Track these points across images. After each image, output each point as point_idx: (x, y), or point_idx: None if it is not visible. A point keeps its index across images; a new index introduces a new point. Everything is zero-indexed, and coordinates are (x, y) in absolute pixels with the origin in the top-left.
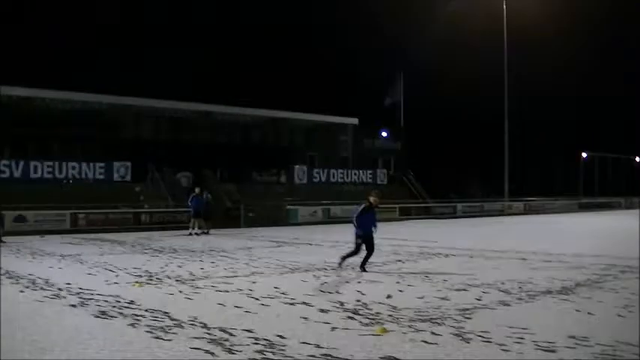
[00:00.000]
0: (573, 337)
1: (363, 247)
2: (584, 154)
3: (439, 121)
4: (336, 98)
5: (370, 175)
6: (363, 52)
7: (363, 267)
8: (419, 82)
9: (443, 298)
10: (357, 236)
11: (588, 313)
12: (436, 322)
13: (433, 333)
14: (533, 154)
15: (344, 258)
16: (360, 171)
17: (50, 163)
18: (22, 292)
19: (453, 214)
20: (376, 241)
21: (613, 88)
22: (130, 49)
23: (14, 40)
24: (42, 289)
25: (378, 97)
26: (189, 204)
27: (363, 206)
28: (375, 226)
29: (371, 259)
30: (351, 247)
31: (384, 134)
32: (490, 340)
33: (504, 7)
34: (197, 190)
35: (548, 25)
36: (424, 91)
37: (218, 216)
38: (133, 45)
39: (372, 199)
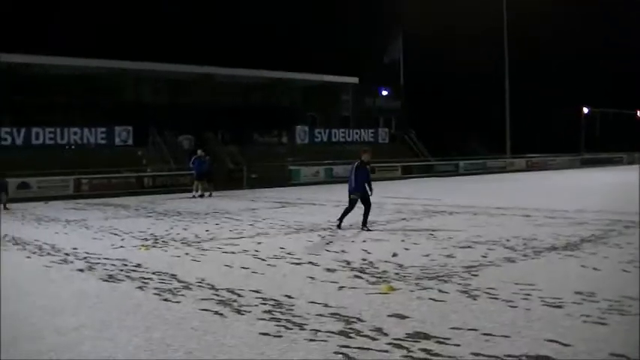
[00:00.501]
0: (580, 292)
1: (359, 204)
2: (585, 109)
3: (440, 79)
4: (336, 58)
5: (372, 134)
6: (362, 10)
7: (365, 225)
8: (419, 40)
9: (448, 256)
10: (352, 193)
11: (594, 269)
12: (442, 280)
13: (440, 290)
14: (535, 110)
15: (341, 218)
16: (362, 130)
17: (52, 129)
18: (28, 257)
19: (455, 172)
20: (379, 199)
21: (614, 42)
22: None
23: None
24: (49, 254)
25: (378, 56)
26: (192, 166)
27: (356, 164)
28: (370, 184)
29: (375, 218)
30: (346, 204)
31: (385, 93)
32: (497, 296)
33: None
34: (199, 152)
35: None
36: (424, 49)
37: (220, 178)
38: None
39: (363, 156)
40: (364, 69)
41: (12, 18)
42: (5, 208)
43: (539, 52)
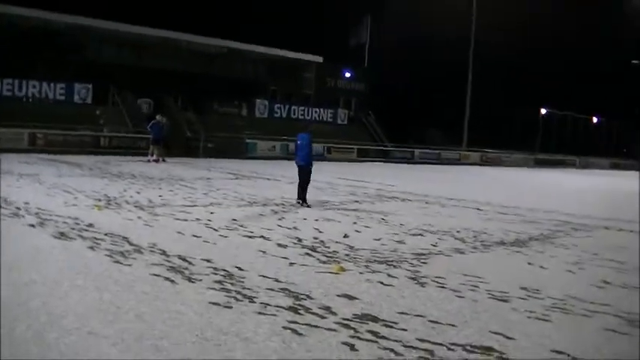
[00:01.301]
0: (525, 288)
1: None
2: (543, 110)
3: (404, 65)
4: (302, 35)
5: (331, 115)
6: None
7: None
8: (386, 25)
9: (399, 242)
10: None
11: (540, 267)
12: (392, 265)
13: (389, 275)
14: (495, 106)
15: (303, 196)
16: (322, 109)
17: (10, 81)
18: None
19: (410, 159)
20: (333, 180)
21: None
22: None
23: None
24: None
25: (344, 36)
26: (149, 130)
27: (310, 136)
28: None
29: (328, 198)
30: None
31: (348, 74)
32: (445, 285)
33: None
34: (158, 117)
35: None
36: (391, 34)
37: (177, 145)
38: None
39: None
40: (329, 48)
41: None
42: None
43: (505, 48)
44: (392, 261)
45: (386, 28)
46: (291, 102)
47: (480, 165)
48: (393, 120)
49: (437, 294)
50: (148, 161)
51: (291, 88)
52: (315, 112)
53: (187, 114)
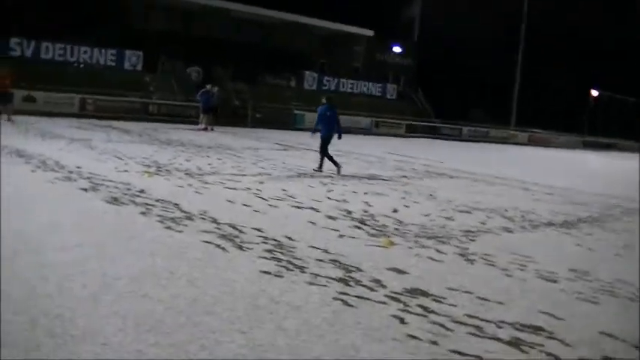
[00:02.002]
0: (574, 270)
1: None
2: (594, 92)
3: (454, 42)
4: (352, 7)
5: (379, 89)
6: None
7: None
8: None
9: (447, 218)
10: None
11: (589, 249)
12: (441, 241)
13: (438, 251)
14: (545, 86)
15: (333, 163)
16: (370, 83)
17: (62, 46)
18: (33, 171)
19: (458, 137)
20: (382, 154)
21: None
22: None
23: None
24: (53, 170)
25: (395, 10)
26: (199, 99)
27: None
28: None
29: (377, 172)
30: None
31: (397, 49)
32: (494, 263)
33: None
34: (208, 86)
35: None
36: (442, 9)
37: (225, 114)
38: None
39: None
40: (380, 22)
41: None
42: (9, 119)
43: (557, 29)
44: (441, 237)
45: (437, 3)
46: (340, 75)
47: (528, 145)
48: (441, 96)
49: (485, 272)
50: (198, 129)
51: (340, 61)
52: (364, 85)
53: (236, 84)
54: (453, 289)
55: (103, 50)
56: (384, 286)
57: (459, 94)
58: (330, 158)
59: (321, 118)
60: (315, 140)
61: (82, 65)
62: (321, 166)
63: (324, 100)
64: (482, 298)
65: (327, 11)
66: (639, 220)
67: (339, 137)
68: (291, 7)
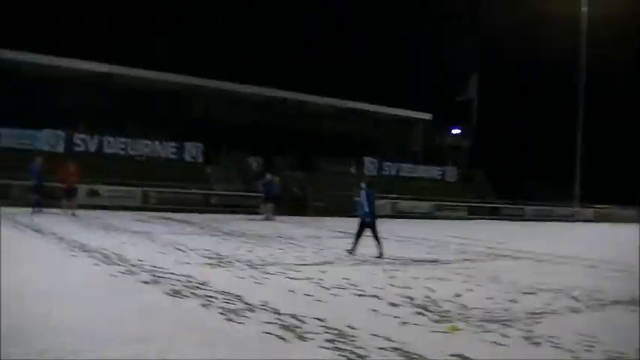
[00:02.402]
0: None
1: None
2: None
3: (511, 121)
4: (409, 93)
5: (439, 172)
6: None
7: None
8: (494, 81)
9: (512, 301)
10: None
11: None
12: (505, 324)
13: (503, 335)
14: (606, 160)
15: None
16: (430, 167)
17: (124, 140)
18: (96, 265)
19: (521, 217)
20: (444, 238)
21: None
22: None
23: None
24: (115, 264)
25: (452, 94)
26: (261, 189)
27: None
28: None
29: (439, 257)
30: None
31: (456, 131)
32: (559, 345)
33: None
34: (269, 175)
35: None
36: (499, 89)
37: (286, 203)
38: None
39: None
40: (437, 105)
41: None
42: (73, 214)
43: (613, 101)
44: (505, 320)
45: (493, 84)
46: (399, 159)
47: (594, 221)
48: (502, 176)
49: (551, 354)
50: (261, 219)
51: (399, 146)
52: (424, 169)
53: (296, 172)
54: None
55: (164, 143)
56: None
57: (521, 173)
58: (357, 240)
59: (368, 201)
60: (379, 227)
61: (143, 159)
62: (380, 249)
63: (363, 185)
64: None
65: (384, 97)
66: None
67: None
68: (348, 94)
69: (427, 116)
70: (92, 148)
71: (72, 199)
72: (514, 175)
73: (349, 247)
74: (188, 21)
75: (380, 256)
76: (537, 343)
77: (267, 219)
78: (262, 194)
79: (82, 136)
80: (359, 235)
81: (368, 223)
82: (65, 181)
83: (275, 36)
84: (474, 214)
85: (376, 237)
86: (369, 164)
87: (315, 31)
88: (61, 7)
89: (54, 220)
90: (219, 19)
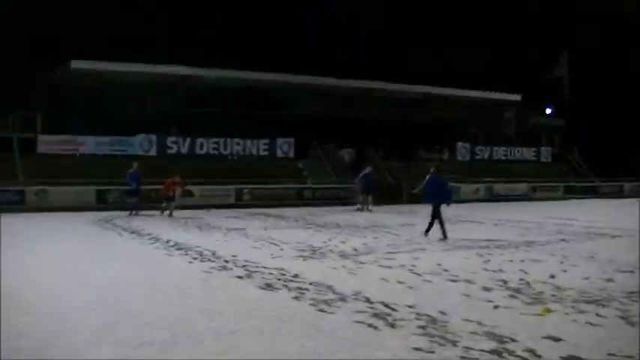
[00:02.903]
0: None
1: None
2: None
3: (604, 96)
4: (499, 74)
5: (534, 153)
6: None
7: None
8: (584, 57)
9: (608, 280)
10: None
11: None
12: (601, 304)
13: (598, 315)
14: None
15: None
16: (524, 148)
17: (215, 140)
18: (190, 262)
19: (619, 194)
20: (540, 219)
21: None
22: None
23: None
24: (209, 260)
25: (542, 73)
26: (358, 181)
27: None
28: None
29: (534, 238)
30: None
31: (548, 111)
32: None
33: None
34: (368, 168)
35: None
36: (589, 66)
37: (380, 192)
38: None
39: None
40: (527, 85)
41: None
42: (170, 215)
43: None
44: (600, 300)
45: (584, 61)
46: (492, 143)
47: None
48: (598, 153)
49: None
50: (357, 209)
51: (491, 129)
52: (517, 151)
53: (389, 162)
54: (612, 355)
55: (255, 141)
56: (538, 356)
57: (617, 149)
58: (442, 225)
59: (429, 187)
60: (474, 211)
61: (235, 157)
62: (428, 230)
63: (432, 170)
64: None
65: (473, 81)
66: None
67: (448, 204)
68: (436, 81)
69: (517, 97)
70: (184, 150)
71: (171, 203)
72: (612, 151)
73: (451, 234)
74: (272, 16)
75: (444, 238)
76: (633, 323)
77: (364, 210)
78: (359, 186)
79: (174, 138)
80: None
81: (433, 206)
82: (168, 189)
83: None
84: (571, 193)
85: (438, 220)
86: (462, 149)
87: (398, 16)
88: (138, 13)
89: (150, 222)
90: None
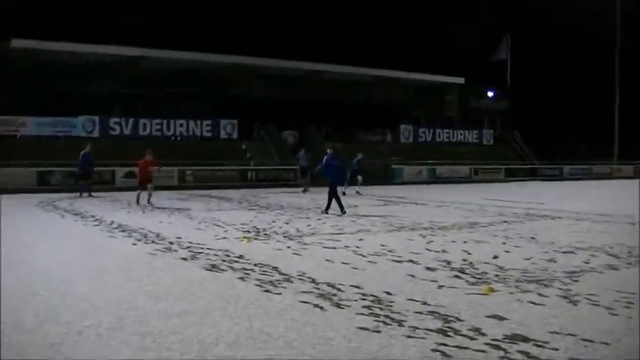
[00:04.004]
0: None
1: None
2: None
3: (546, 80)
4: (441, 57)
5: (476, 135)
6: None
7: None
8: (526, 41)
9: (550, 260)
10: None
11: None
12: (543, 284)
13: (540, 294)
14: None
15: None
16: (466, 131)
17: (158, 121)
18: (134, 245)
19: (559, 176)
20: (482, 201)
21: None
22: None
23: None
24: (154, 242)
25: (484, 56)
26: (299, 163)
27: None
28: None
29: (477, 220)
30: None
31: (490, 94)
32: (598, 303)
33: None
34: (303, 150)
35: None
36: (531, 50)
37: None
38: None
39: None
40: (470, 69)
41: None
42: (149, 201)
43: None
44: (543, 280)
45: (526, 44)
46: (435, 125)
47: (634, 178)
48: (538, 137)
49: (589, 312)
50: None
51: (434, 112)
52: (460, 133)
53: (332, 143)
54: (555, 333)
55: (199, 122)
56: (483, 334)
57: (557, 133)
58: (339, 201)
59: (327, 167)
60: (417, 193)
61: (178, 138)
62: (327, 208)
63: (329, 151)
64: (586, 340)
65: (417, 64)
66: None
67: (344, 185)
68: (380, 63)
69: (460, 80)
70: (127, 131)
71: (148, 187)
72: (551, 135)
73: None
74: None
75: (325, 211)
76: (575, 302)
77: (305, 191)
78: (298, 167)
79: (117, 119)
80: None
81: (329, 185)
82: (145, 172)
83: (303, 8)
84: (512, 175)
85: (335, 198)
86: (405, 131)
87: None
88: None
89: (93, 205)
90: None
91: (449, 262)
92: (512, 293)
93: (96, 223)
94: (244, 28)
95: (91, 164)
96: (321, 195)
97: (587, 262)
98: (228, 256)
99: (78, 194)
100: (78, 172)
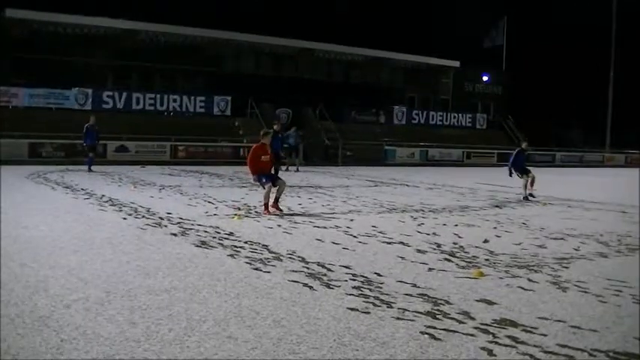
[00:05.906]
0: None
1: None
2: None
3: (542, 67)
4: (438, 40)
5: (469, 119)
6: None
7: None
8: (524, 26)
9: (540, 246)
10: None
11: None
12: (533, 270)
13: (530, 280)
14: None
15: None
16: (460, 114)
17: (152, 96)
18: (124, 219)
19: (551, 163)
20: (474, 185)
21: None
22: None
23: None
24: (144, 217)
25: (480, 40)
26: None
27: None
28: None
29: (468, 204)
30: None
31: (485, 78)
32: (587, 290)
33: None
34: (292, 129)
35: None
36: (529, 35)
37: (316, 153)
38: None
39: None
40: (465, 52)
41: None
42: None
43: None
44: (533, 265)
45: (522, 30)
46: (429, 108)
47: (625, 167)
48: (532, 122)
49: (578, 299)
50: (286, 170)
51: (428, 94)
52: (454, 117)
53: (326, 123)
54: (544, 319)
55: (192, 97)
56: (472, 318)
57: (551, 119)
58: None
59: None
60: (409, 175)
61: (172, 114)
62: None
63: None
64: (575, 327)
65: (413, 45)
66: None
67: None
68: (376, 44)
69: (455, 64)
70: (120, 105)
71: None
72: (545, 121)
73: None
74: None
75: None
76: (564, 288)
77: (287, 170)
78: (287, 146)
79: (110, 92)
80: None
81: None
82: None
83: None
84: (505, 160)
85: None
86: (399, 113)
87: None
88: None
89: (84, 178)
90: None
91: (439, 245)
92: (501, 278)
93: (86, 196)
94: (239, 4)
95: (95, 137)
96: (312, 175)
97: (578, 249)
98: (219, 232)
99: (87, 169)
100: (83, 145)
